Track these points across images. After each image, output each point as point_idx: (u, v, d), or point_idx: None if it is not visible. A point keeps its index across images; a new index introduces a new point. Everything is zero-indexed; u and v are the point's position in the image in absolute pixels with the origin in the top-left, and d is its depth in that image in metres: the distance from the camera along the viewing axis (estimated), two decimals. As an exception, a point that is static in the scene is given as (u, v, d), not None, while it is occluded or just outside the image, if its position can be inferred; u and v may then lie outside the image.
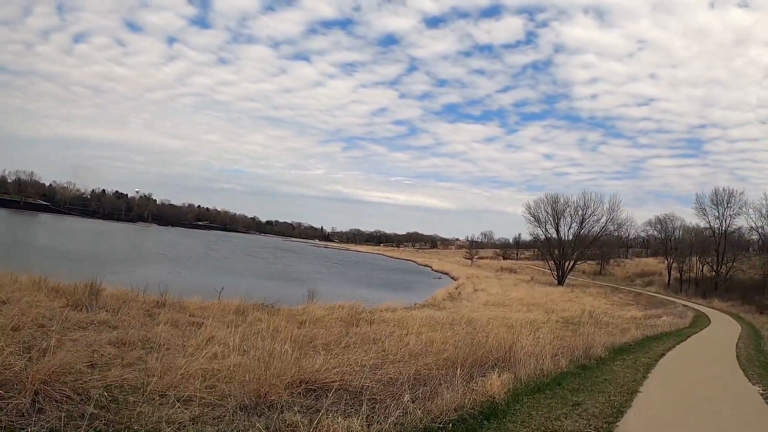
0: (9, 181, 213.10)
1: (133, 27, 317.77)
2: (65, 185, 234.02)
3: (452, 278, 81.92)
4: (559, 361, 12.33)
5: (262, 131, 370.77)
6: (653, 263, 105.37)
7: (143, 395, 6.41)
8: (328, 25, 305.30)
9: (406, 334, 15.94)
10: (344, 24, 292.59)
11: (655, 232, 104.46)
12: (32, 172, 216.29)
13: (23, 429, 5.17)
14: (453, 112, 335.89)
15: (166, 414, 5.98)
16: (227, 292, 23.18)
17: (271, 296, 25.92)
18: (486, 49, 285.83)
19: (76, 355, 7.69)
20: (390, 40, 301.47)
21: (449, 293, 50.32)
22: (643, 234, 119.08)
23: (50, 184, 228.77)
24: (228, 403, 6.62)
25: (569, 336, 19.22)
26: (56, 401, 5.79)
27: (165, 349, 9.40)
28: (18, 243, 64.24)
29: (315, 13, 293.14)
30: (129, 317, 13.59)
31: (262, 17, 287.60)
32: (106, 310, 14.10)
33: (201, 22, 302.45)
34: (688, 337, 25.23)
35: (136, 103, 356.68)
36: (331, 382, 7.86)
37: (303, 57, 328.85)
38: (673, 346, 20.50)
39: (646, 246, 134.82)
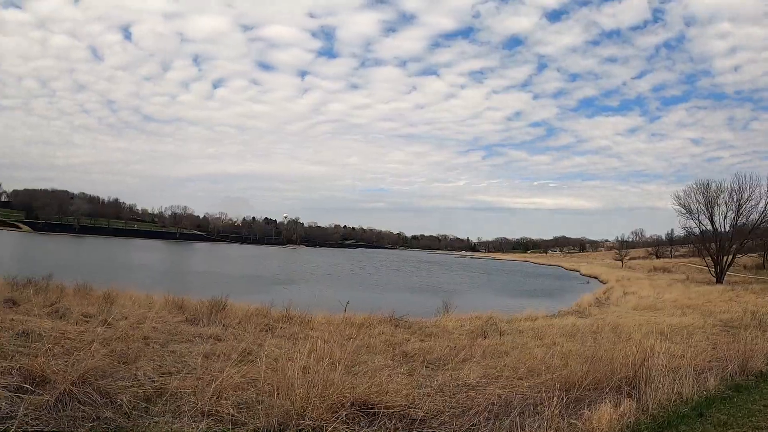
0: (166, 215, 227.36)
1: (266, 67, 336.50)
2: (217, 216, 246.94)
3: (601, 282, 78.23)
4: (705, 379, 9.72)
5: (401, 149, 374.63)
6: None
7: (164, 404, 6.27)
8: (450, 36, 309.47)
9: (538, 346, 14.69)
10: (466, 33, 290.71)
11: None
12: (185, 207, 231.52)
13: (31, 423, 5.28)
14: (590, 107, 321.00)
15: (178, 427, 5.69)
16: (361, 305, 22.83)
17: (406, 309, 25.18)
18: (614, 35, 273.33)
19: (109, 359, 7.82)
20: (515, 42, 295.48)
21: (596, 298, 47.74)
22: None
23: (203, 216, 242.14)
24: (249, 422, 6.00)
25: (726, 343, 17.07)
26: (79, 402, 5.86)
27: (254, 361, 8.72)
28: (171, 268, 67.66)
29: (435, 28, 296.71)
30: (243, 331, 13.57)
31: (385, 39, 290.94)
32: (224, 325, 14.27)
33: (328, 53, 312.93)
34: None
35: (277, 136, 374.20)
36: (394, 406, 6.71)
37: (431, 72, 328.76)
38: None
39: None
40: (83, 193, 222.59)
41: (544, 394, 7.37)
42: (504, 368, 9.76)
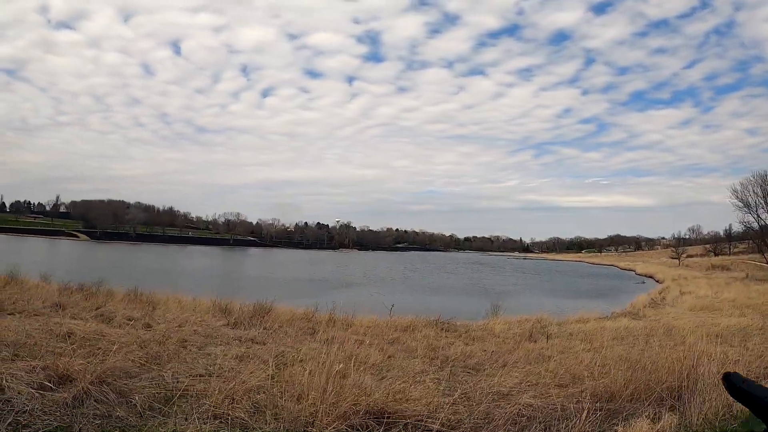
0: (220, 222, 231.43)
1: (313, 74, 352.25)
2: (270, 222, 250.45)
3: (656, 281, 76.27)
4: None
5: (451, 150, 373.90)
6: None
7: (181, 406, 6.30)
8: (495, 35, 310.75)
9: (586, 350, 14.20)
10: (511, 31, 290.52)
11: None
12: (238, 213, 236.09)
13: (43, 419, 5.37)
14: (640, 100, 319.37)
15: (182, 428, 5.64)
16: (410, 308, 22.96)
17: (455, 311, 25.41)
18: (661, 25, 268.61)
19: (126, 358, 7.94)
20: (561, 37, 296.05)
21: (651, 299, 46.34)
22: None
23: (256, 222, 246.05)
24: (257, 427, 5.89)
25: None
26: (95, 400, 5.95)
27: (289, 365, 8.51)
28: (222, 273, 68.56)
29: (480, 27, 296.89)
30: (284, 335, 13.69)
31: (430, 41, 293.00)
32: (265, 328, 14.22)
33: (374, 58, 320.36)
34: None
35: (327, 142, 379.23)
36: (411, 415, 6.35)
37: (478, 71, 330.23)
38: None
39: None
40: (139, 203, 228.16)
41: (580, 405, 7.01)
42: (545, 374, 9.34)
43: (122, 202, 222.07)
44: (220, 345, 11.01)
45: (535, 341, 16.70)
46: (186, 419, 5.82)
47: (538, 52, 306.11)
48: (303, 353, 9.71)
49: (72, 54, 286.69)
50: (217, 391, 6.47)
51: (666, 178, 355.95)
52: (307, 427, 5.86)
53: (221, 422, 5.83)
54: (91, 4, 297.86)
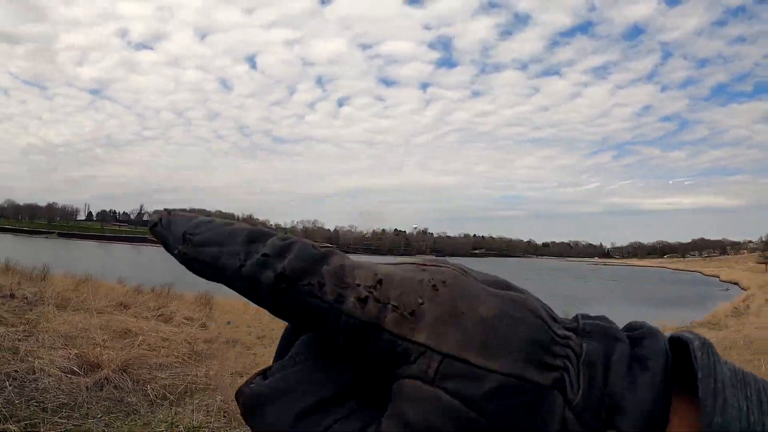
0: (298, 229, 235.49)
1: (387, 82, 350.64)
2: (347, 229, 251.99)
3: (742, 288, 73.40)
4: None
5: (530, 153, 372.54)
6: None
7: (200, 400, 6.41)
8: (568, 34, 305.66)
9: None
10: (584, 28, 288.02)
11: None
12: (315, 220, 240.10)
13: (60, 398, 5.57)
14: (723, 94, 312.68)
15: (180, 417, 5.77)
16: None
17: None
18: (740, 12, 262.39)
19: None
20: (635, 32, 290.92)
21: (734, 308, 44.42)
22: None
23: (334, 229, 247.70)
24: None
25: None
26: (114, 386, 6.16)
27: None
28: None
29: (552, 26, 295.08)
30: None
31: (502, 43, 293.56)
32: None
33: (447, 63, 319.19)
34: None
35: (405, 149, 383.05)
36: None
37: (553, 72, 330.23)
38: None
39: None
40: (219, 211, 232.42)
41: None
42: None
43: (203, 210, 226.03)
44: (270, 346, 11.12)
45: None
46: (193, 412, 5.91)
47: (612, 48, 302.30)
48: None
49: (153, 72, 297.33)
50: (230, 388, 6.61)
51: (754, 176, 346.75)
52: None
53: (229, 418, 5.91)
54: (168, 26, 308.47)
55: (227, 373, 7.80)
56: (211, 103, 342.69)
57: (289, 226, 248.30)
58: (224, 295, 20.72)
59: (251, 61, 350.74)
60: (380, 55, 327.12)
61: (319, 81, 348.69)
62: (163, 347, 8.94)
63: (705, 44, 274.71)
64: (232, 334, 12.58)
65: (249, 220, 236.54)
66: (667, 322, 29.37)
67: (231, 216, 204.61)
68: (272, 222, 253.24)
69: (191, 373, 7.42)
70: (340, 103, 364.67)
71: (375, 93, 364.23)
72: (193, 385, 6.90)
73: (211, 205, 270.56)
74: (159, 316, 13.78)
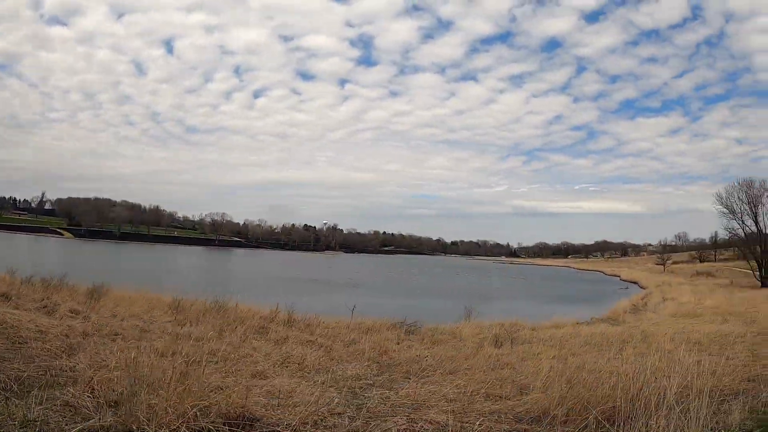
0: (207, 222, 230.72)
1: (306, 76, 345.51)
2: (257, 222, 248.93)
3: (641, 287, 75.98)
4: (728, 412, 7.06)
5: (442, 155, 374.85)
6: None
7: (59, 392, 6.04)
8: (488, 41, 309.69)
9: (553, 358, 13.23)
10: (504, 37, 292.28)
11: None
12: (224, 214, 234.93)
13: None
14: (630, 108, 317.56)
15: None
16: (383, 311, 23.16)
17: (431, 314, 25.49)
18: (653, 34, 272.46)
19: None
20: (553, 45, 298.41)
21: (633, 304, 45.86)
22: None
23: (243, 223, 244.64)
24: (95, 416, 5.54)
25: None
26: None
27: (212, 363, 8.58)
28: (199, 273, 67.86)
29: (473, 33, 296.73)
30: (232, 333, 13.34)
31: (423, 46, 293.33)
32: (214, 326, 14.15)
33: (367, 61, 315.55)
34: None
35: (319, 143, 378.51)
36: (271, 423, 5.66)
37: (470, 77, 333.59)
38: None
39: None
40: (125, 201, 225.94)
41: (497, 425, 6.05)
42: (489, 384, 8.33)
43: (108, 200, 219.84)
44: (154, 340, 10.60)
45: (500, 347, 15.94)
46: (39, 404, 5.53)
47: (530, 58, 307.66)
48: (224, 351, 9.76)
49: (64, 50, 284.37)
50: (79, 381, 6.35)
51: (654, 186, 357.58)
52: (142, 425, 5.24)
53: (73, 412, 5.53)
54: (84, 0, 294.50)
55: (94, 367, 7.15)
56: (123, 87, 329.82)
57: (197, 218, 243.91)
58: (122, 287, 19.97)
59: (168, 45, 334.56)
60: (300, 49, 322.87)
61: (237, 70, 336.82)
62: (36, 339, 8.66)
63: (617, 61, 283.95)
64: (117, 326, 12.00)
65: (156, 211, 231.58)
66: (568, 317, 29.89)
67: (137, 207, 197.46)
68: (180, 214, 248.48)
69: (56, 366, 7.17)
70: (257, 94, 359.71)
71: (292, 86, 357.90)
72: (55, 378, 6.62)
73: (117, 195, 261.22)
74: (42, 307, 13.42)
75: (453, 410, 6.62)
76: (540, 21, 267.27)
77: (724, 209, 73.20)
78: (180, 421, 5.24)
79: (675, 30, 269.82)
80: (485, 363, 11.16)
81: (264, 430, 5.53)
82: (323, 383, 8.14)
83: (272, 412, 5.92)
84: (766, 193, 70.27)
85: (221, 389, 6.29)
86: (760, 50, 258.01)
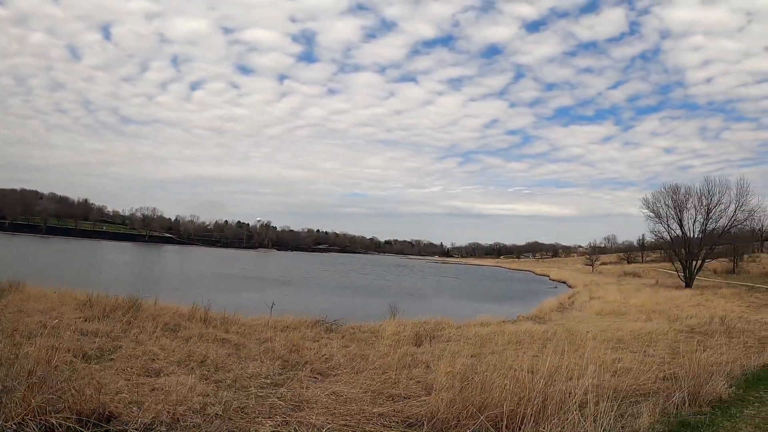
0: (138, 217, 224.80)
1: (245, 70, 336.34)
2: (189, 218, 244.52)
3: (569, 287, 77.07)
4: (637, 414, 6.73)
5: (379, 154, 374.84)
6: None
7: None
8: (429, 44, 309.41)
9: (471, 355, 12.78)
10: (446, 41, 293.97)
11: None
12: (154, 208, 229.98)
13: None
14: (565, 116, 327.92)
15: None
16: (308, 308, 23.00)
17: (356, 312, 25.60)
18: (591, 46, 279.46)
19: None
20: (493, 51, 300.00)
21: (560, 303, 46.30)
22: None
23: (175, 218, 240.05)
24: None
25: (688, 353, 15.04)
26: None
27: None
28: (122, 269, 65.92)
29: (415, 35, 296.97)
30: (140, 331, 12.82)
31: (365, 45, 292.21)
32: (123, 323, 13.67)
33: (308, 58, 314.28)
34: None
35: (255, 139, 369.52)
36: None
37: (410, 78, 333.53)
38: None
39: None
40: (53, 194, 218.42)
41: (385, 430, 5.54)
42: (394, 384, 7.82)
43: (35, 192, 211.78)
44: (49, 337, 9.38)
45: (420, 345, 15.91)
46: None
47: (470, 63, 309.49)
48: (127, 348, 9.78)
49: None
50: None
51: (586, 190, 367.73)
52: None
53: None
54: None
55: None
56: (56, 73, 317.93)
57: (128, 213, 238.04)
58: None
59: (105, 30, 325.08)
60: (241, 42, 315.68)
61: (175, 61, 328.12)
62: None
63: (555, 70, 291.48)
64: (20, 322, 11.50)
65: (84, 205, 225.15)
66: (495, 315, 29.75)
67: (65, 200, 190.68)
68: (110, 208, 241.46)
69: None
70: (194, 86, 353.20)
71: (231, 80, 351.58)
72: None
73: (45, 187, 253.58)
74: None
75: (341, 412, 6.08)
76: (482, 27, 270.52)
77: (651, 213, 74.92)
78: (28, 416, 5.02)
79: (612, 43, 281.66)
80: (399, 362, 10.76)
81: (117, 427, 5.32)
82: (218, 381, 7.94)
83: (132, 410, 5.71)
84: (690, 199, 71.98)
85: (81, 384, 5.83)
86: (693, 67, 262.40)
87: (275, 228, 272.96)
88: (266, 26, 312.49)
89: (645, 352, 15.77)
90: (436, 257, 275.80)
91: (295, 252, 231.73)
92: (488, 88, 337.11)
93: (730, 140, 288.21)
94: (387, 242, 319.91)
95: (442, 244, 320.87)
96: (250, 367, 9.26)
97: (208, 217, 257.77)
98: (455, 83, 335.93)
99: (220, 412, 5.97)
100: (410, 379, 8.46)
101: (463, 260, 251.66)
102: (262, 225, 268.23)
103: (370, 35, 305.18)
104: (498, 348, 15.74)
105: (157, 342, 11.25)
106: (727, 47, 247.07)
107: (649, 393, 8.16)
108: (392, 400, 7.03)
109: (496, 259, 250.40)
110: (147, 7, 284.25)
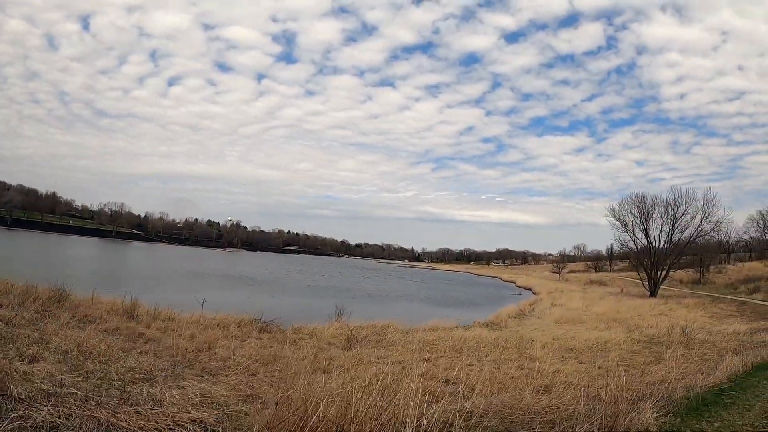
0: (107, 212, 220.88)
1: (223, 68, 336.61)
2: (159, 215, 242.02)
3: (534, 293, 76.74)
4: None
5: (353, 157, 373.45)
6: (758, 267, 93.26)
7: None
8: (409, 50, 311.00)
9: (397, 363, 12.15)
10: (425, 48, 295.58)
11: (757, 234, 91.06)
12: (122, 204, 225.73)
13: None
14: (540, 126, 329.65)
15: None
16: (258, 307, 21.88)
17: (306, 313, 25.26)
18: (568, 59, 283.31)
19: None
20: (471, 59, 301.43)
21: (520, 309, 45.83)
22: (745, 236, 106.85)
23: (144, 215, 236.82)
24: None
25: (642, 364, 13.99)
26: None
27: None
28: (72, 264, 63.89)
29: (396, 40, 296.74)
30: (52, 319, 12.62)
31: (345, 48, 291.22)
32: (37, 312, 13.36)
33: (287, 58, 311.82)
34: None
35: (230, 138, 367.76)
36: None
37: (388, 83, 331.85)
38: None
39: (750, 250, 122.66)
40: (21, 185, 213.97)
41: None
42: (259, 390, 6.82)
43: (2, 183, 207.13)
44: None
45: (350, 349, 15.49)
46: None
47: (448, 70, 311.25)
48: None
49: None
50: None
51: (558, 199, 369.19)
52: None
53: None
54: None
55: None
56: (32, 62, 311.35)
57: (96, 208, 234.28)
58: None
59: (85, 21, 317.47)
60: (221, 39, 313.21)
61: (153, 55, 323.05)
62: None
63: (532, 81, 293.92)
64: None
65: (53, 198, 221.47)
66: (449, 320, 28.90)
67: (33, 192, 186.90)
68: (79, 203, 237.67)
69: None
70: (171, 82, 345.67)
71: (209, 77, 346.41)
72: None
73: (14, 178, 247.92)
74: None
75: (168, 413, 5.49)
76: (462, 36, 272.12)
77: (617, 222, 75.03)
78: None
79: (589, 57, 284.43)
80: (305, 366, 9.96)
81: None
82: (89, 372, 7.50)
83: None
84: (657, 209, 72.07)
85: None
86: (667, 82, 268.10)
87: (245, 228, 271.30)
88: (247, 24, 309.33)
89: (594, 363, 14.64)
90: (406, 262, 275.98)
91: (264, 252, 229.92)
92: (465, 95, 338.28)
93: (701, 155, 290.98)
94: (357, 245, 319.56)
95: (412, 249, 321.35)
96: (132, 361, 8.82)
97: (179, 215, 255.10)
98: (432, 90, 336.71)
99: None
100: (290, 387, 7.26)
101: (433, 265, 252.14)
102: (232, 224, 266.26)
103: (351, 38, 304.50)
104: (434, 355, 14.79)
105: (62, 333, 10.63)
106: (701, 65, 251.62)
107: (563, 419, 6.64)
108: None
109: (466, 265, 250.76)
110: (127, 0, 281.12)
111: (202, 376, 8.37)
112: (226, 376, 8.67)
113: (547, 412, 7.03)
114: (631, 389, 7.98)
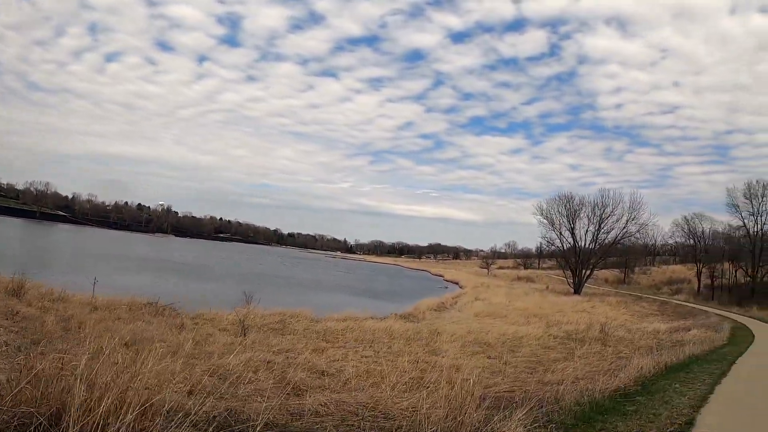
0: (32, 191, 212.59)
1: (164, 47, 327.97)
2: (88, 197, 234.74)
3: (460, 287, 76.56)
4: None
5: (290, 146, 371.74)
6: (682, 270, 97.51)
7: None
8: (354, 42, 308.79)
9: (284, 352, 11.13)
10: (371, 41, 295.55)
11: (682, 239, 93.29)
12: (48, 183, 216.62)
13: None
14: (479, 125, 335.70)
15: None
16: (154, 291, 22.40)
17: (215, 299, 25.25)
18: (511, 63, 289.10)
19: None
20: (416, 56, 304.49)
21: (441, 302, 45.52)
22: (670, 241, 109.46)
23: (72, 196, 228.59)
24: None
25: (543, 363, 13.22)
26: None
27: None
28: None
29: (342, 31, 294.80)
30: None
31: (291, 36, 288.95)
32: None
33: (230, 41, 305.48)
34: (732, 363, 15.24)
35: (166, 120, 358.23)
36: None
37: (330, 73, 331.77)
38: (711, 390, 10.45)
39: (674, 254, 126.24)
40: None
41: None
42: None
43: None
44: None
45: (245, 335, 15.05)
46: None
47: (391, 65, 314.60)
48: None
49: None
50: None
51: (492, 198, 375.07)
52: None
53: None
54: None
55: None
56: None
57: (21, 187, 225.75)
58: None
59: None
60: (165, 16, 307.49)
61: (93, 29, 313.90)
62: None
63: (474, 81, 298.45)
64: None
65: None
66: (363, 311, 28.16)
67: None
68: (3, 180, 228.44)
69: None
70: (109, 58, 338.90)
71: (148, 55, 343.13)
72: None
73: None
74: None
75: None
76: (409, 32, 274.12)
77: (544, 220, 76.06)
78: None
79: (531, 62, 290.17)
80: (185, 351, 9.96)
81: None
82: None
83: None
84: (584, 209, 73.98)
85: None
86: (605, 92, 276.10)
87: (176, 213, 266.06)
88: (192, 4, 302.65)
89: (503, 360, 13.84)
90: (338, 253, 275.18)
91: (194, 239, 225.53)
92: (407, 91, 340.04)
93: (633, 162, 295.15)
94: (290, 235, 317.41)
95: (345, 241, 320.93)
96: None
97: (110, 197, 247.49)
98: (375, 83, 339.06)
99: None
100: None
101: (364, 257, 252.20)
102: (162, 209, 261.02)
103: (297, 26, 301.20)
104: (331, 346, 14.56)
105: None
106: (639, 78, 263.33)
107: (401, 427, 5.34)
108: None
109: (398, 258, 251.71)
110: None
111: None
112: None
113: (398, 415, 5.84)
114: (519, 391, 6.90)
